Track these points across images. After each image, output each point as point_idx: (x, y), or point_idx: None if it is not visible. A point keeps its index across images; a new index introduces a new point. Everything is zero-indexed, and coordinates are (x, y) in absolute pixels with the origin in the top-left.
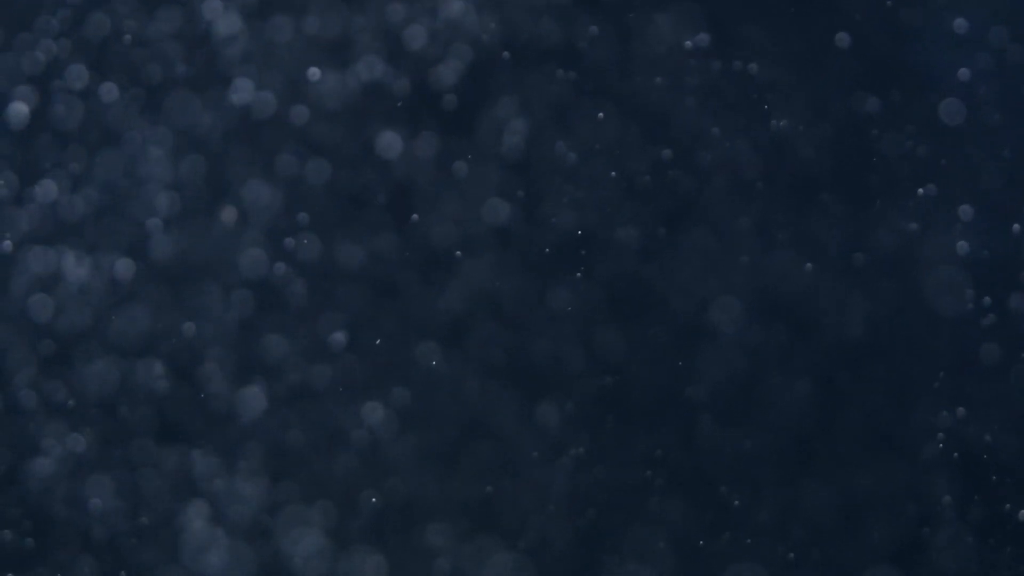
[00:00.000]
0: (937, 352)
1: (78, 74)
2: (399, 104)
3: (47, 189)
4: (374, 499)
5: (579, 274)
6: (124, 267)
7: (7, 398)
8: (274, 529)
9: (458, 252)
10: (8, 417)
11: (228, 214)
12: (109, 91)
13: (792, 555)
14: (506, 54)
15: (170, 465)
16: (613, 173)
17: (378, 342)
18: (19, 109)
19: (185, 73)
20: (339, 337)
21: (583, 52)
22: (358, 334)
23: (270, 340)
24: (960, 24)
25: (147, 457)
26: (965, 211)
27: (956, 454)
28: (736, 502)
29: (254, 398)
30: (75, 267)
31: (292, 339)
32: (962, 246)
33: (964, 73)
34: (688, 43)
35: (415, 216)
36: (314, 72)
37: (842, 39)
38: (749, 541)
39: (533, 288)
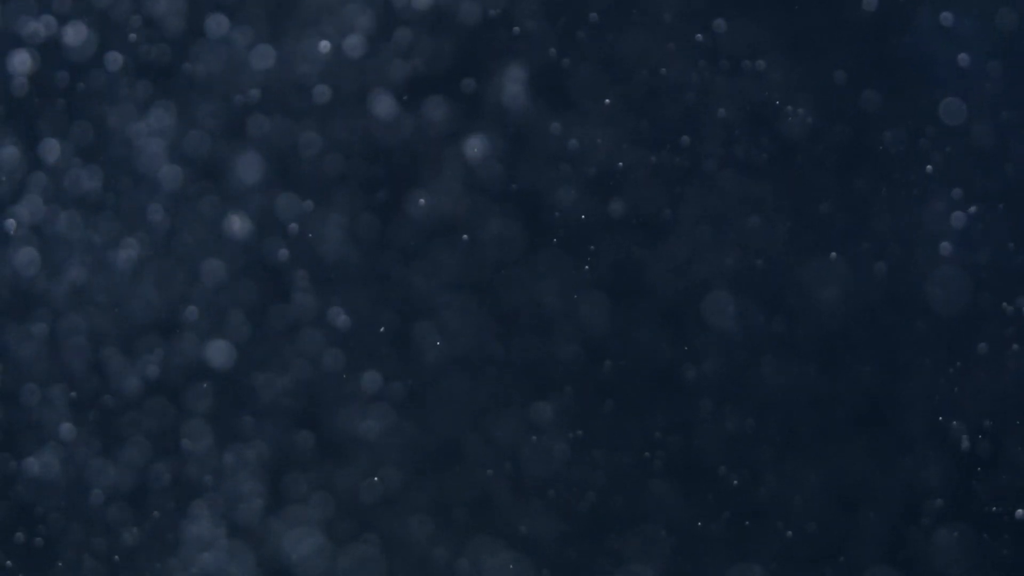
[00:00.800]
0: (934, 346)
1: (78, 41)
2: (404, 92)
3: (45, 167)
4: (376, 478)
5: (586, 267)
6: (120, 254)
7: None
8: (273, 527)
9: (464, 236)
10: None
11: (233, 223)
12: (113, 61)
13: (790, 533)
14: (516, 29)
15: (166, 461)
16: (620, 163)
17: (382, 330)
18: (19, 82)
19: (189, 49)
20: (340, 324)
21: (587, 39)
22: (358, 321)
23: (269, 331)
24: (965, 19)
25: (144, 452)
26: (966, 207)
27: (953, 444)
28: (735, 482)
29: (253, 388)
30: (73, 253)
31: (292, 329)
32: (961, 242)
33: (967, 68)
34: (699, 36)
35: (421, 201)
36: (324, 45)
37: (847, 31)
38: (748, 523)
39: (533, 274)
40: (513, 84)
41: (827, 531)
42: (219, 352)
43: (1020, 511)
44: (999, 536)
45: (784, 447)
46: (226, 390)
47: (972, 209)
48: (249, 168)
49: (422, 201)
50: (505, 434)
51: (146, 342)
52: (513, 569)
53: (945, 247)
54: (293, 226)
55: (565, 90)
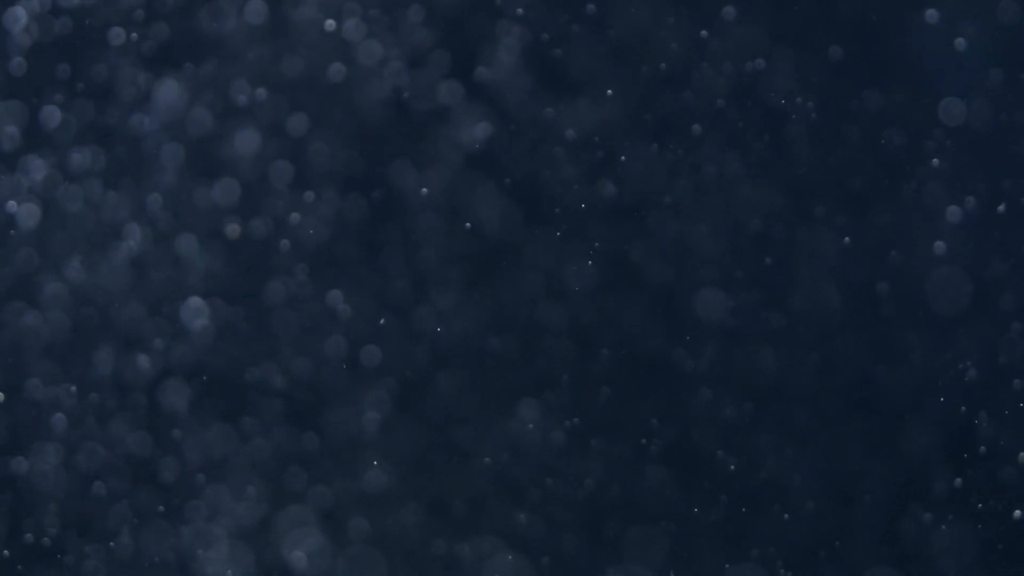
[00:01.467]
0: (932, 341)
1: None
2: (402, 78)
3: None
4: (376, 462)
5: (589, 262)
6: (119, 248)
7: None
8: (274, 527)
9: (468, 224)
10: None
11: (232, 230)
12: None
13: (787, 516)
14: (519, 10)
15: (166, 460)
16: (623, 158)
17: (382, 322)
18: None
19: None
20: (340, 316)
21: (588, 35)
22: (357, 312)
23: (269, 325)
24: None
25: (143, 450)
26: (964, 207)
27: (951, 439)
28: (732, 467)
29: (253, 386)
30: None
31: (290, 322)
32: (959, 240)
33: (966, 68)
34: (703, 33)
35: (424, 190)
36: (330, 23)
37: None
38: (744, 510)
39: (530, 266)
40: (513, 71)
41: (823, 520)
42: (208, 339)
43: (1019, 512)
44: (996, 531)
45: (782, 437)
46: (224, 387)
47: (970, 207)
48: (243, 154)
49: (425, 190)
50: (502, 426)
51: (137, 337)
52: (512, 561)
53: (940, 245)
54: (294, 216)
55: (566, 78)
